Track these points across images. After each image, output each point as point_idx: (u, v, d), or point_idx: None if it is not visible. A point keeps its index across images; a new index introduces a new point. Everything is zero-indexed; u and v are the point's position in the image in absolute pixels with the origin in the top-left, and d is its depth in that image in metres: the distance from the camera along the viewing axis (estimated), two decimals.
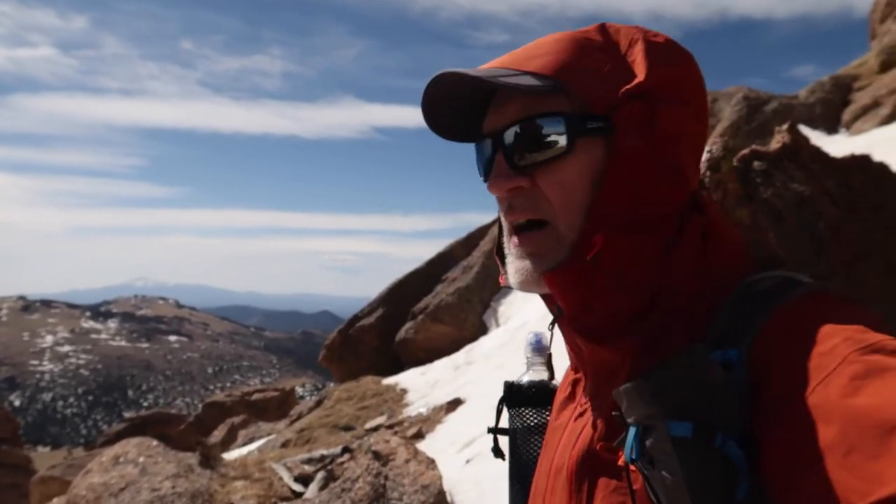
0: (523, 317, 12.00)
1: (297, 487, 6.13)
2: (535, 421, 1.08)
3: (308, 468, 6.60)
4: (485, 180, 0.85)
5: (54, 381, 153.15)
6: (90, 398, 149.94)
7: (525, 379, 1.13)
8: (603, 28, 0.83)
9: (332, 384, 16.39)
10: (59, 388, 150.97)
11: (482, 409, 7.70)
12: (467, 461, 6.24)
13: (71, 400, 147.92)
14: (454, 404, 8.70)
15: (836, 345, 0.61)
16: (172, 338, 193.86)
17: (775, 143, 2.99)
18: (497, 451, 1.14)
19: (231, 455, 9.43)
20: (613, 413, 0.72)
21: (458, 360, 11.61)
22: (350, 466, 5.79)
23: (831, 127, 13.17)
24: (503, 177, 0.79)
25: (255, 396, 19.84)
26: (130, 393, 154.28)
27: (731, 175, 2.71)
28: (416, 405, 9.72)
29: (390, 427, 8.58)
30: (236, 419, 15.98)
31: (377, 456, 5.34)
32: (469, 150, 0.91)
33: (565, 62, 0.78)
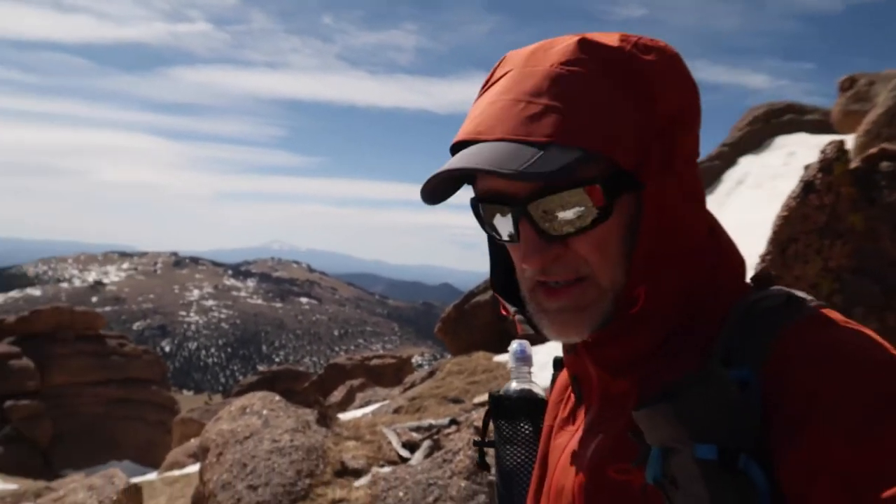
0: None
1: (404, 453, 6.37)
2: (523, 433, 1.05)
3: (416, 436, 6.83)
4: (498, 238, 0.78)
5: (199, 332, 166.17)
6: (229, 350, 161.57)
7: (512, 389, 1.09)
8: (589, 48, 0.73)
9: (448, 356, 16.75)
10: (202, 338, 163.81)
11: None
12: None
13: (212, 350, 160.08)
14: None
15: (855, 368, 0.62)
16: (303, 299, 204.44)
17: None
18: (483, 464, 1.12)
19: (346, 416, 9.95)
20: (629, 433, 0.71)
21: None
22: (454, 438, 5.97)
23: None
24: (537, 252, 0.73)
25: (374, 362, 20.70)
26: (264, 348, 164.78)
27: (846, 178, 2.50)
28: None
29: None
30: (355, 382, 16.76)
31: (479, 431, 5.46)
32: None
33: (580, 120, 0.69)
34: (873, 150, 2.55)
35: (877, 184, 2.50)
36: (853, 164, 2.48)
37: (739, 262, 0.80)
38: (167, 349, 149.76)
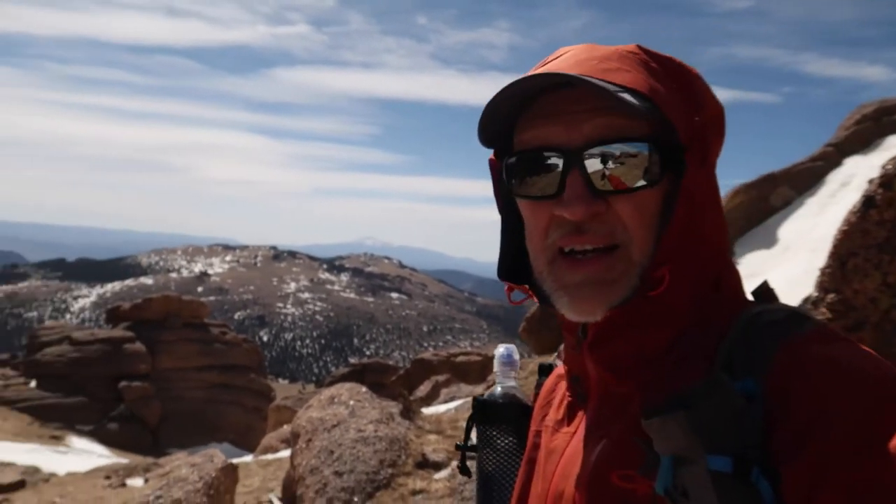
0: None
1: None
2: (506, 438, 1.04)
3: None
4: (535, 196, 0.77)
5: (294, 324, 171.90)
6: (322, 342, 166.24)
7: (497, 393, 1.08)
8: (648, 51, 0.80)
9: (534, 356, 16.69)
10: (298, 329, 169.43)
11: None
12: None
13: (307, 341, 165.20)
14: None
15: (857, 384, 0.62)
16: (394, 295, 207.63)
17: None
18: (464, 469, 1.11)
19: (429, 410, 10.18)
20: (635, 440, 0.71)
21: None
22: None
23: None
24: (582, 201, 0.72)
25: (460, 359, 20.87)
26: (355, 341, 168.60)
27: None
28: None
29: None
30: (440, 378, 16.93)
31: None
32: None
33: (651, 83, 0.74)
34: None
35: None
36: None
37: (738, 276, 0.82)
38: (265, 339, 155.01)
